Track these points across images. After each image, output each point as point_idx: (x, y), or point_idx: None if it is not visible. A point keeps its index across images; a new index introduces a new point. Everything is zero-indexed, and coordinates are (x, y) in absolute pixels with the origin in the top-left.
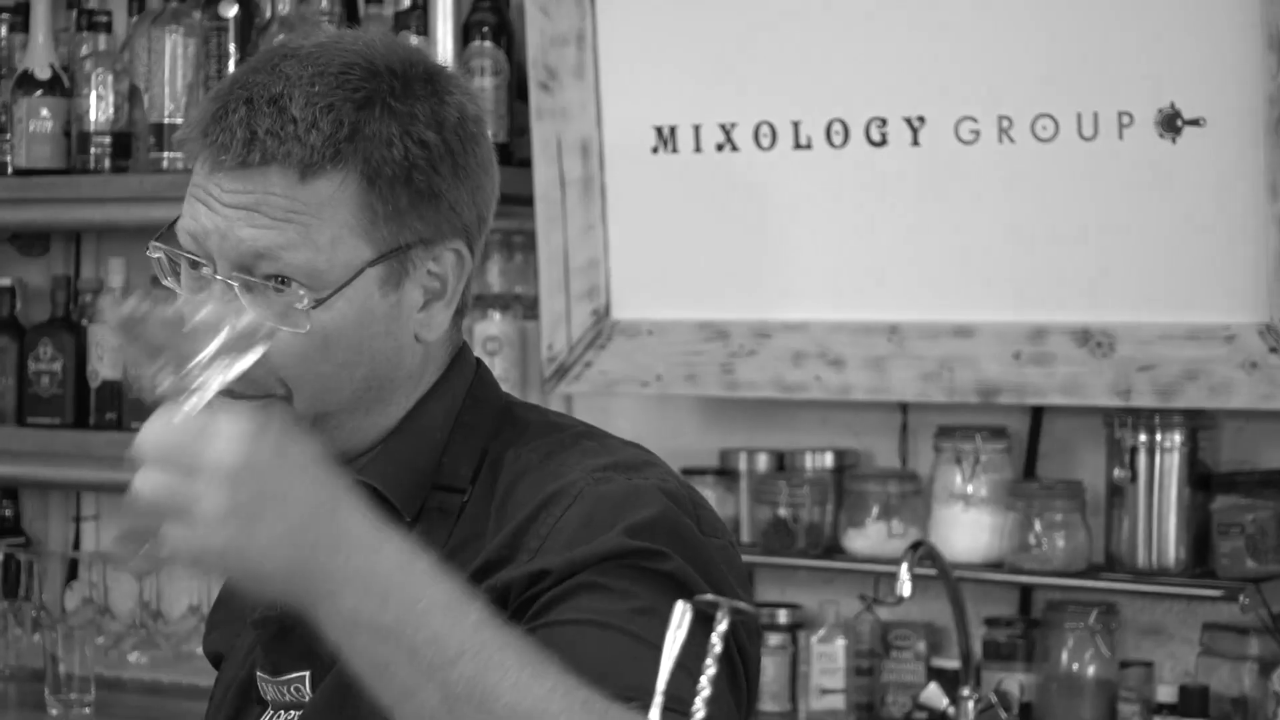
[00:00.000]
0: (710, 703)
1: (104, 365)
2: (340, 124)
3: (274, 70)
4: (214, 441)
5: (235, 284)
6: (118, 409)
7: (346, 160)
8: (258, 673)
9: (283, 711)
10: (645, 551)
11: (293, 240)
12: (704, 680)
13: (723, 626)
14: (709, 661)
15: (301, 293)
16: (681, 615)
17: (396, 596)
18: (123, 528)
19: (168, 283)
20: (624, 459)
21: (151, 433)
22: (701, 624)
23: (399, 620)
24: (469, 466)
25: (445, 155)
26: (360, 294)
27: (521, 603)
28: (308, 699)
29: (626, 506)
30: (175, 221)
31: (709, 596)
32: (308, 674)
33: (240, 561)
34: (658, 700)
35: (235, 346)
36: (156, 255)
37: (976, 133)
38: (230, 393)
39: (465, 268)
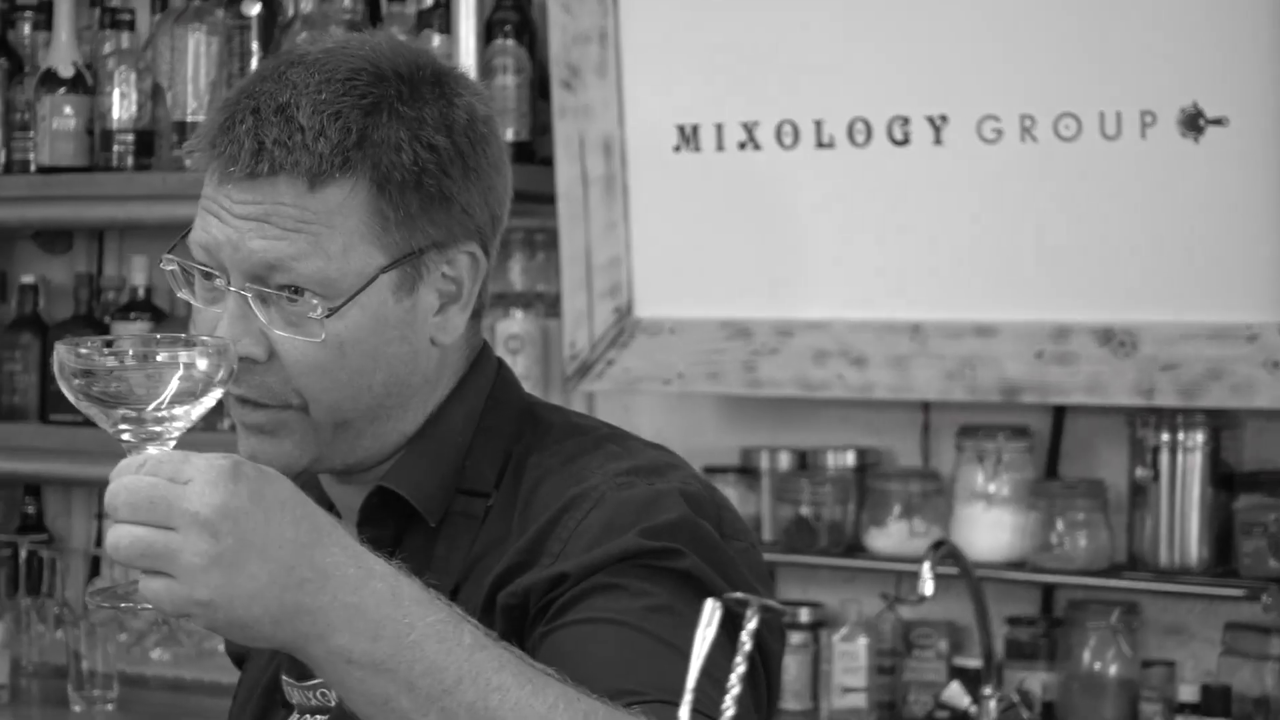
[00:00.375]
0: (735, 701)
1: None
2: (348, 131)
3: (280, 78)
4: (189, 490)
5: (248, 295)
6: None
7: (355, 167)
8: (283, 676)
9: (308, 716)
10: (660, 551)
11: (303, 250)
12: (734, 678)
13: (752, 624)
14: (738, 659)
15: (315, 302)
16: (712, 613)
17: (388, 630)
18: (101, 582)
19: (182, 294)
20: (646, 462)
21: (122, 485)
22: (725, 622)
23: (393, 654)
24: (492, 470)
25: (455, 158)
26: (374, 300)
27: (540, 607)
28: (334, 703)
29: (646, 510)
30: (187, 233)
31: (738, 594)
32: None
33: (227, 611)
34: (687, 699)
35: (193, 390)
36: (170, 268)
37: (999, 131)
38: (248, 401)
39: (480, 269)
